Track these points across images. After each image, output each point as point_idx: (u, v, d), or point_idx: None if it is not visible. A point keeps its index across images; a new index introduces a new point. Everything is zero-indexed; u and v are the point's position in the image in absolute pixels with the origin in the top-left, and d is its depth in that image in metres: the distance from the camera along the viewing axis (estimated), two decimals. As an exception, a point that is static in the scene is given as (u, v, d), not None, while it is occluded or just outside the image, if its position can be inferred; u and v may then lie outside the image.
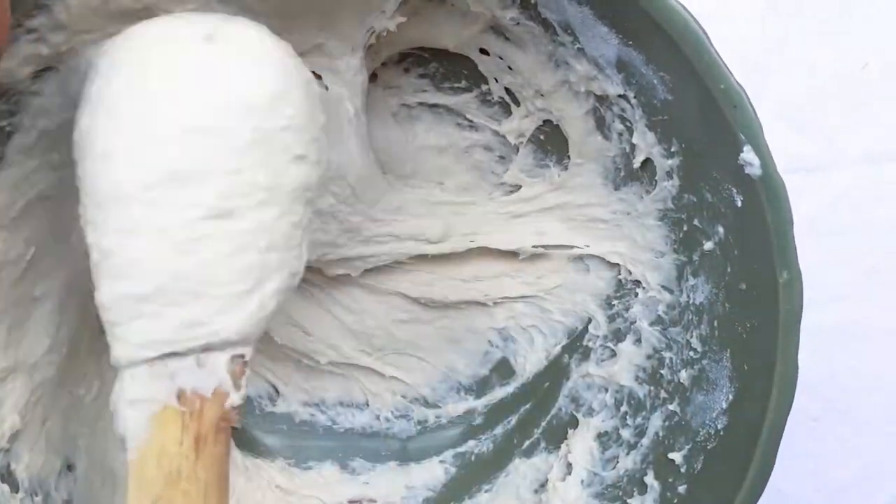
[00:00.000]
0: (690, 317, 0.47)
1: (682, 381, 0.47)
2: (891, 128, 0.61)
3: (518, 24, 0.47)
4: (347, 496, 0.56)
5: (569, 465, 0.52)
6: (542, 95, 0.50)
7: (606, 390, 0.53)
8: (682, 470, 0.45)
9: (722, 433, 0.43)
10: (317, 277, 0.56)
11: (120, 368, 0.34)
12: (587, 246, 0.53)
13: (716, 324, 0.45)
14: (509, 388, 0.58)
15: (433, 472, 0.57)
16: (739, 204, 0.41)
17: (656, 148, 0.46)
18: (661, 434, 0.48)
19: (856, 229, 0.61)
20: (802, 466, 0.61)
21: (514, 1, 0.46)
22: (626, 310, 0.52)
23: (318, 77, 0.48)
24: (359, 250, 0.54)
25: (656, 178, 0.47)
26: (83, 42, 0.42)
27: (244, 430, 0.57)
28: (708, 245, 0.45)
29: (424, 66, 0.53)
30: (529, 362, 0.57)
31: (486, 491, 0.55)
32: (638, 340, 0.51)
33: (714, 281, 0.45)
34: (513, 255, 0.56)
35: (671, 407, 0.47)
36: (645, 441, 0.49)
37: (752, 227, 0.40)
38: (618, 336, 0.52)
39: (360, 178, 0.51)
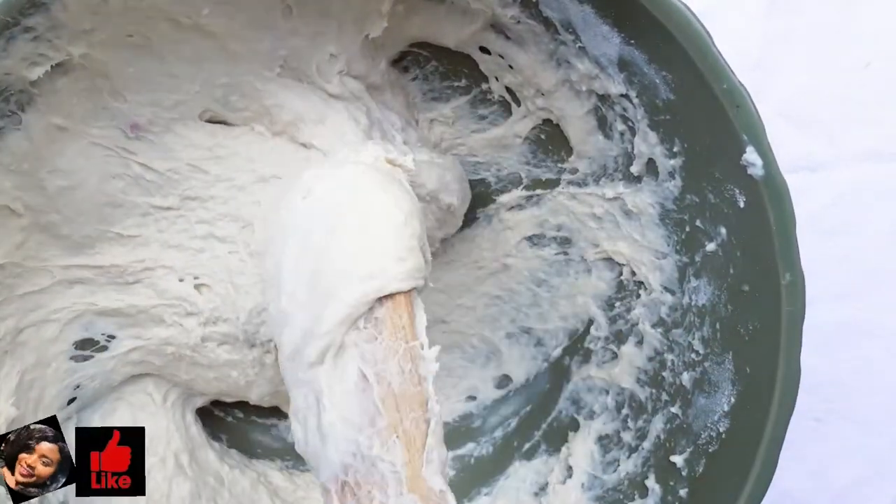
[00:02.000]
0: (692, 318, 0.46)
1: (683, 383, 0.47)
2: (892, 127, 0.61)
3: (519, 22, 0.47)
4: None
5: (569, 468, 0.52)
6: (542, 95, 0.50)
7: (607, 393, 0.52)
8: (684, 473, 0.45)
9: (724, 436, 0.43)
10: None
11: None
12: (598, 250, 0.53)
13: (718, 326, 0.45)
14: (509, 391, 0.58)
15: (432, 475, 0.57)
16: (742, 205, 0.41)
17: (658, 148, 0.45)
18: (662, 437, 0.48)
19: (858, 228, 0.61)
20: (805, 467, 0.60)
21: (514, -1, 0.46)
22: (628, 311, 0.52)
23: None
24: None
25: (658, 178, 0.47)
26: (91, 44, 0.42)
27: (244, 432, 0.57)
28: (710, 246, 0.44)
29: (424, 65, 0.53)
30: (529, 365, 0.57)
31: (485, 494, 0.55)
32: (639, 342, 0.50)
33: (716, 282, 0.44)
34: None
35: (673, 409, 0.47)
36: (646, 444, 0.48)
37: (755, 228, 0.40)
38: (619, 338, 0.52)
39: None
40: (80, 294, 0.48)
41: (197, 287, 0.48)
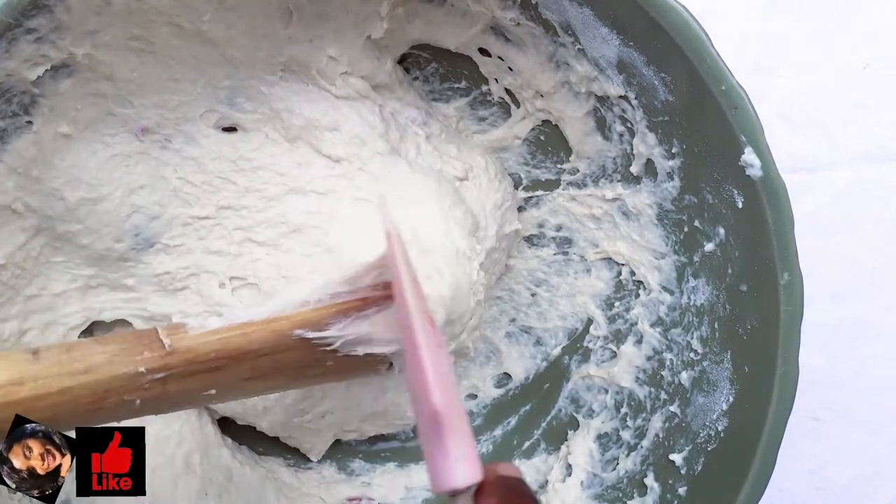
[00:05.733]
0: (691, 318, 0.47)
1: (682, 382, 0.47)
2: (891, 127, 0.61)
3: (518, 24, 0.47)
4: (347, 495, 0.56)
5: (569, 467, 0.52)
6: (541, 96, 0.50)
7: (607, 391, 0.53)
8: (683, 471, 0.45)
9: (722, 434, 0.44)
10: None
11: None
12: (597, 250, 0.53)
13: (716, 325, 0.45)
14: (509, 389, 0.58)
15: (433, 473, 0.57)
16: (740, 205, 0.41)
17: (657, 149, 0.45)
18: (661, 435, 0.48)
19: (857, 229, 0.61)
20: (803, 466, 0.60)
21: (514, 1, 0.46)
22: (627, 311, 0.52)
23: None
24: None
25: (657, 179, 0.47)
26: (95, 45, 0.42)
27: (247, 430, 0.57)
28: (709, 246, 0.44)
29: (424, 66, 0.53)
30: (529, 363, 0.58)
31: (486, 492, 0.55)
32: (638, 342, 0.51)
33: (715, 282, 0.45)
34: None
35: (671, 408, 0.47)
36: (645, 442, 0.49)
37: (753, 228, 0.40)
38: (618, 337, 0.53)
39: None
40: (117, 300, 0.49)
41: (238, 290, 0.50)
